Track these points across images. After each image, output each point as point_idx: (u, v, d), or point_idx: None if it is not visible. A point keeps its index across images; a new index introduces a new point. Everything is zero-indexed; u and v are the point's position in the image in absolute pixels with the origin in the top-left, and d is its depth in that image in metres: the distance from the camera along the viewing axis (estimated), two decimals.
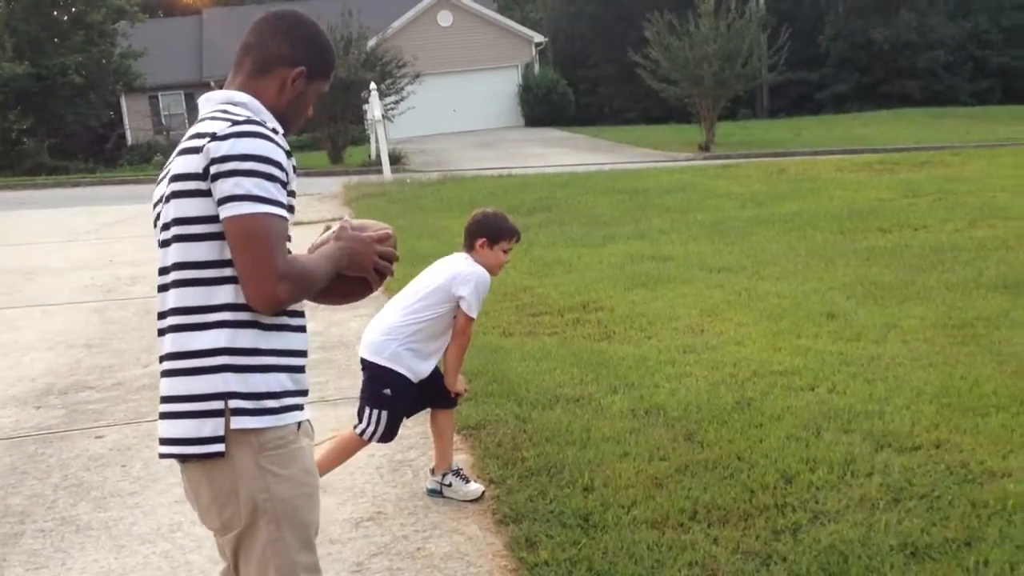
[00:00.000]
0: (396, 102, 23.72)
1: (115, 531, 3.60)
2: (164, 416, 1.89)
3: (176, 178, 1.86)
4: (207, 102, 2.00)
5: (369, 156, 22.28)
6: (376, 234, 2.07)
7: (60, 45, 33.29)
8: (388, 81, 23.60)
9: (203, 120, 1.92)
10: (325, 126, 23.50)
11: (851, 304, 6.33)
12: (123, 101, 37.49)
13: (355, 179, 16.77)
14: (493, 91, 37.02)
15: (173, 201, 1.86)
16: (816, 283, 7.01)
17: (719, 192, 12.42)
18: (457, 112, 35.44)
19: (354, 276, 2.04)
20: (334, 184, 16.03)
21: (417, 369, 3.60)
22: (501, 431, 4.33)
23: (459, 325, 3.62)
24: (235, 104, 1.94)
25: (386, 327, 3.61)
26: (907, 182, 12.40)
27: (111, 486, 4.03)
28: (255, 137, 1.83)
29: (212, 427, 1.82)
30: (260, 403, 1.85)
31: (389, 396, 3.59)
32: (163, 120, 37.48)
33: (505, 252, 3.68)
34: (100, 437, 4.62)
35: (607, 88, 45.91)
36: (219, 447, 1.82)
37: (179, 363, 1.86)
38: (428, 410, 3.83)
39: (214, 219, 1.82)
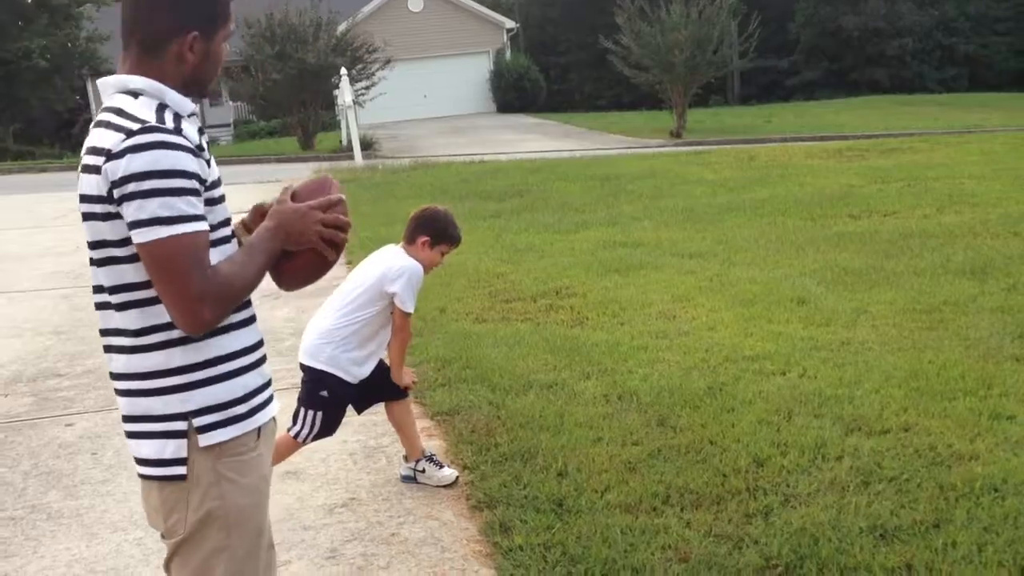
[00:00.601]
0: (367, 88, 23.55)
1: (86, 519, 3.57)
2: (129, 436, 1.83)
3: (84, 199, 1.73)
4: (104, 89, 1.82)
5: (340, 142, 22.14)
6: (316, 202, 1.91)
7: (24, 28, 32.74)
8: (359, 67, 23.42)
9: (98, 125, 1.75)
10: (295, 112, 23.30)
11: (821, 290, 6.39)
12: (89, 85, 36.96)
13: (326, 165, 16.68)
14: (464, 77, 36.89)
15: (87, 223, 1.74)
16: (787, 269, 7.07)
17: (690, 179, 12.47)
18: (428, 98, 35.30)
19: (304, 251, 1.92)
20: (305, 170, 15.94)
21: (356, 372, 3.55)
22: (475, 417, 4.34)
23: (397, 322, 3.55)
24: (130, 95, 1.76)
25: (321, 330, 3.55)
26: (876, 169, 12.52)
27: (82, 474, 3.99)
28: (152, 149, 1.66)
29: (174, 448, 1.75)
30: (228, 412, 1.79)
31: (326, 398, 3.54)
32: None
33: (443, 255, 3.62)
34: (70, 425, 4.57)
35: (578, 74, 45.91)
36: (181, 469, 1.76)
37: (136, 383, 1.78)
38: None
39: (126, 242, 1.71)
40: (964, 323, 5.42)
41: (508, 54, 38.41)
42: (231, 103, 35.52)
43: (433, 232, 3.56)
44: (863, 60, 42.01)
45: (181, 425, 1.76)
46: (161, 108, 1.75)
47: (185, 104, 1.81)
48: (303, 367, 3.58)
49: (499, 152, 19.07)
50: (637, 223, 9.49)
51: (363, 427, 4.32)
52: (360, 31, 25.21)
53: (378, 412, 4.08)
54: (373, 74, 23.95)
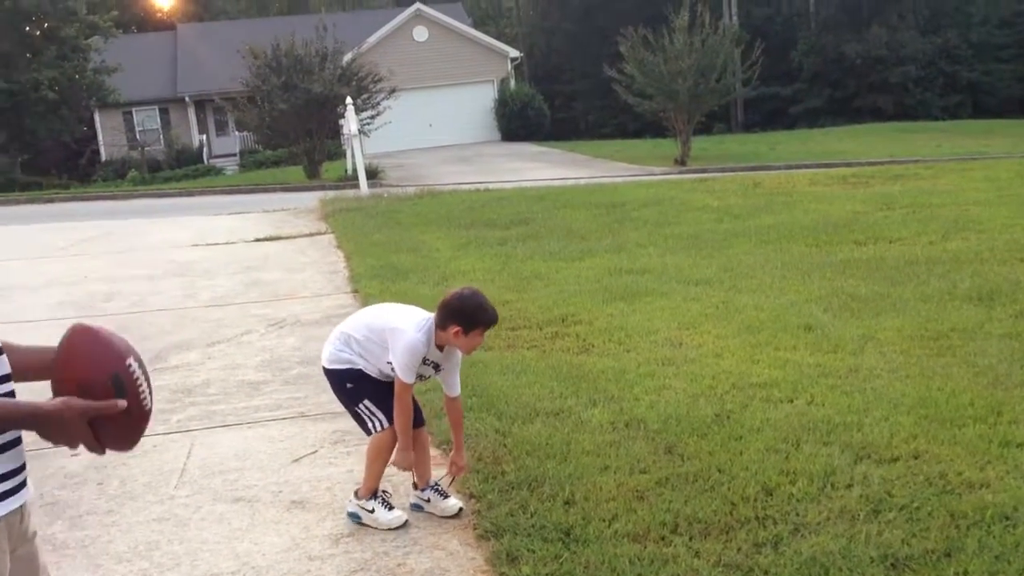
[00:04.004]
0: (372, 117, 23.71)
1: (91, 550, 3.55)
2: None
3: None
4: None
5: (346, 171, 22.24)
6: (96, 405, 1.74)
7: (33, 60, 33.08)
8: (364, 96, 23.60)
9: None
10: (301, 141, 23.44)
11: (828, 316, 6.37)
12: (97, 116, 37.27)
13: (331, 194, 16.73)
14: (469, 106, 37.12)
15: None
16: (793, 295, 7.05)
17: (695, 205, 12.48)
18: (433, 127, 35.52)
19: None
20: (311, 199, 15.99)
21: (363, 364, 3.63)
22: (481, 445, 4.32)
23: (396, 389, 3.56)
24: None
25: (333, 335, 3.73)
26: (881, 195, 12.52)
27: (87, 504, 3.97)
28: None
29: None
30: None
31: (353, 388, 3.65)
32: (137, 136, 37.25)
33: (480, 336, 3.54)
34: (76, 455, 4.56)
35: (583, 103, 46.18)
36: None
37: None
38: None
39: None
40: (972, 349, 5.40)
41: (513, 83, 38.67)
42: (237, 133, 35.77)
43: (463, 321, 3.47)
44: (866, 87, 42.22)
45: None
46: None
47: None
48: (324, 371, 3.75)
49: (504, 180, 19.13)
50: (642, 250, 9.49)
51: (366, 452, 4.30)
52: (366, 61, 25.43)
53: None
54: (378, 103, 24.12)
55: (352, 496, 3.76)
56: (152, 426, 4.85)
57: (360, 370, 3.62)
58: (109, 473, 4.31)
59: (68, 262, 10.41)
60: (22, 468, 1.75)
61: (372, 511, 3.68)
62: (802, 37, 45.62)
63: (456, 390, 3.73)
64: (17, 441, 1.74)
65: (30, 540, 1.84)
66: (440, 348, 3.57)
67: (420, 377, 3.62)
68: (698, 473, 3.84)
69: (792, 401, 4.70)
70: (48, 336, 6.31)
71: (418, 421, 3.76)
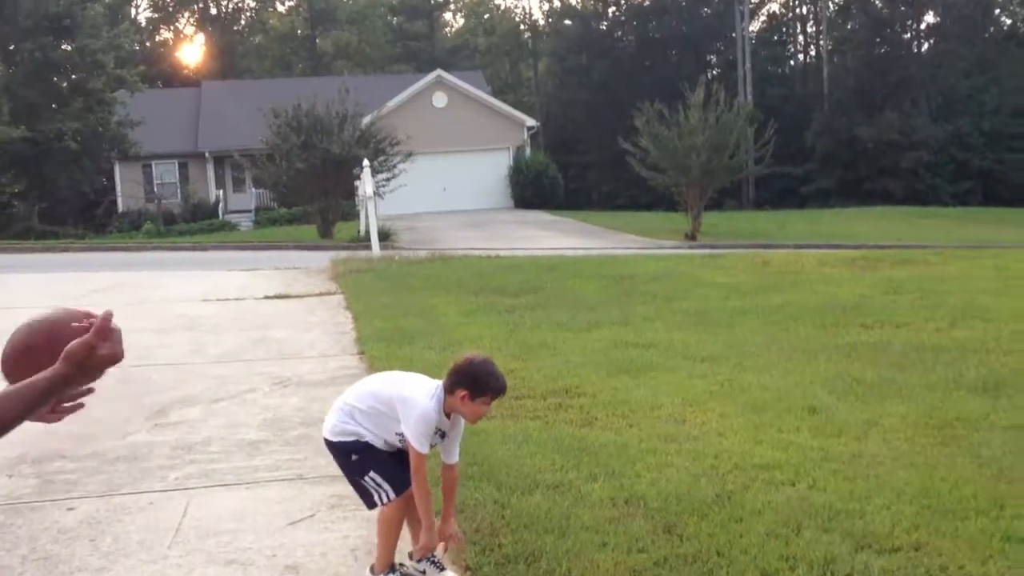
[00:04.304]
0: (388, 179, 24.00)
1: None
2: None
3: None
4: None
5: (358, 231, 22.43)
6: (97, 332, 1.75)
7: (58, 111, 33.71)
8: (381, 158, 23.92)
9: None
10: (316, 200, 23.70)
11: (833, 399, 6.35)
12: (117, 168, 37.80)
13: (343, 254, 16.84)
14: (484, 172, 37.55)
15: None
16: (798, 377, 7.03)
17: (704, 281, 12.53)
18: (447, 191, 35.89)
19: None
20: (322, 258, 16.09)
21: (368, 437, 3.57)
22: (479, 515, 4.29)
23: (412, 462, 3.50)
24: None
25: (336, 406, 3.66)
26: (889, 279, 12.55)
27: (79, 560, 3.95)
28: None
29: None
30: None
31: (359, 459, 3.57)
32: (155, 188, 37.73)
33: (485, 404, 3.50)
34: (71, 509, 4.55)
35: (596, 173, 46.69)
36: None
37: None
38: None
39: None
40: (977, 440, 5.36)
41: (528, 151, 39.16)
42: (254, 190, 36.20)
43: (471, 386, 3.43)
44: (877, 171, 42.59)
45: None
46: None
47: None
48: (326, 443, 3.67)
49: (516, 248, 19.26)
50: (650, 324, 9.50)
51: (366, 522, 4.27)
52: (385, 124, 25.84)
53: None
54: (394, 166, 24.43)
55: (368, 571, 3.71)
56: (150, 483, 4.86)
57: (367, 442, 3.57)
58: (103, 529, 4.29)
59: None
60: None
61: (424, 572, 3.64)
62: (815, 118, 46.22)
63: (455, 457, 3.68)
64: None
65: None
66: (447, 415, 3.55)
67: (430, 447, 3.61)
68: (697, 555, 3.80)
69: (794, 484, 4.66)
70: None
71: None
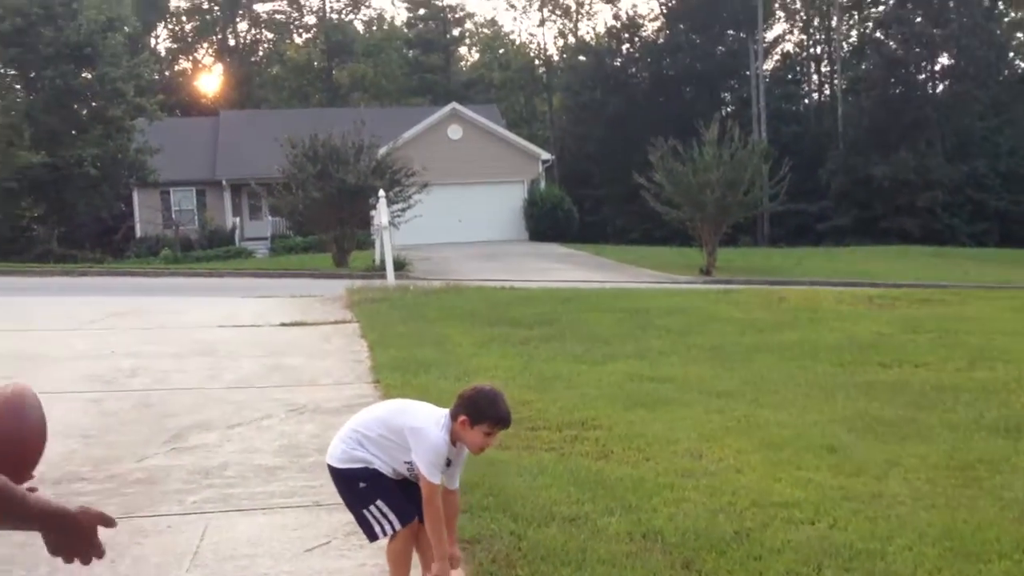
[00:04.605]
0: (403, 209, 24.12)
1: None
2: None
3: None
4: None
5: (373, 261, 22.51)
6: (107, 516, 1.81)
7: (78, 137, 34.09)
8: (396, 189, 24.05)
9: None
10: (332, 229, 23.83)
11: (852, 438, 6.31)
12: (135, 195, 38.13)
13: (358, 283, 16.89)
14: (498, 204, 37.69)
15: None
16: (816, 414, 7.00)
17: (720, 316, 12.50)
18: (462, 223, 36.01)
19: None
20: (337, 287, 16.15)
21: (379, 464, 3.55)
22: (496, 547, 4.27)
23: (424, 493, 3.48)
24: None
25: (342, 434, 3.64)
26: (907, 318, 12.50)
27: None
28: None
29: None
30: None
31: (366, 487, 3.54)
32: (173, 215, 38.02)
33: (488, 435, 3.47)
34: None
35: (611, 207, 46.82)
36: None
37: None
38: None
39: None
40: (999, 483, 5.32)
41: (543, 184, 39.33)
42: (270, 217, 36.44)
43: (471, 412, 3.44)
44: (893, 209, 42.55)
45: None
46: None
47: None
48: (329, 470, 3.64)
49: (530, 279, 19.28)
50: (665, 358, 9.48)
51: (382, 551, 4.25)
52: (400, 155, 26.03)
53: None
54: (409, 197, 24.56)
55: None
56: (168, 506, 4.86)
57: (375, 469, 3.54)
58: (121, 552, 4.28)
59: (97, 336, 10.53)
60: None
61: None
62: (830, 156, 46.31)
63: (456, 484, 3.67)
64: None
65: None
66: (454, 444, 3.54)
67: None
68: None
69: (814, 523, 4.63)
70: (71, 409, 6.37)
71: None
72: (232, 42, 62.29)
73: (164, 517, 4.76)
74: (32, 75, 34.35)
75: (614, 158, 45.23)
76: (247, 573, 4.08)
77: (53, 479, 5.35)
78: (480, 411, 3.44)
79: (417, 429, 3.50)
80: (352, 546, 4.40)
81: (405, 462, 3.52)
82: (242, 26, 63.15)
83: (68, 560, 1.78)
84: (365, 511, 3.56)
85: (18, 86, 37.21)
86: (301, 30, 64.23)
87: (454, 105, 39.65)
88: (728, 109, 49.40)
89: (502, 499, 4.88)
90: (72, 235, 35.22)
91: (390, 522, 3.54)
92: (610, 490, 5.10)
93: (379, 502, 3.53)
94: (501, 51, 64.80)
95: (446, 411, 3.55)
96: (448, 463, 3.57)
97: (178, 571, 4.08)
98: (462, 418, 3.45)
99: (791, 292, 16.21)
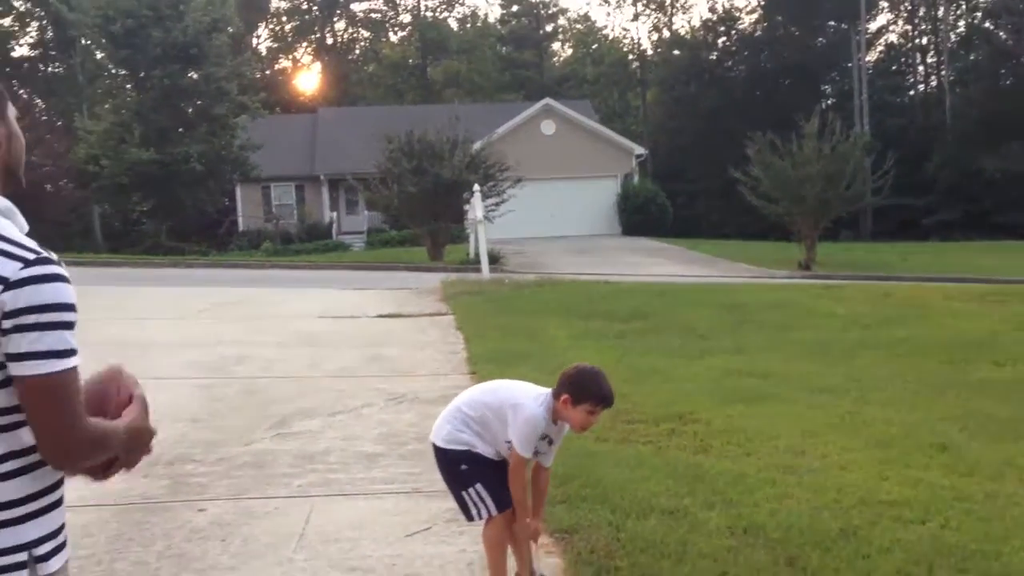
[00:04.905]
0: (497, 204, 24.23)
1: None
2: None
3: None
4: None
5: (468, 254, 22.69)
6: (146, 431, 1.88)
7: (185, 135, 35.26)
8: (490, 183, 24.18)
9: None
10: (427, 223, 24.10)
11: (963, 437, 6.09)
12: (238, 190, 39.26)
13: (453, 276, 17.06)
14: (591, 199, 37.52)
15: None
16: (925, 412, 6.77)
17: (821, 312, 12.21)
18: (555, 217, 35.95)
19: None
20: (433, 280, 16.33)
21: (481, 446, 3.59)
22: (594, 537, 4.26)
23: (511, 462, 3.56)
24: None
25: (447, 413, 3.70)
26: (1021, 316, 11.98)
27: (211, 559, 4.08)
28: (54, 281, 1.68)
29: None
30: (57, 540, 1.78)
31: (468, 470, 3.59)
32: (273, 209, 39.02)
33: (590, 413, 3.48)
34: (202, 510, 4.71)
35: (705, 202, 46.14)
36: None
37: None
38: None
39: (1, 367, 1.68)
40: None
41: (636, 179, 38.99)
42: (366, 212, 37.07)
43: (574, 391, 3.46)
44: (1006, 203, 40.77)
45: (22, 556, 1.72)
46: (24, 233, 1.77)
47: (24, 224, 1.81)
48: (433, 448, 3.70)
49: (624, 273, 19.16)
50: (764, 354, 9.31)
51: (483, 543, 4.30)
52: (494, 150, 26.15)
53: None
54: (503, 191, 24.67)
55: None
56: (275, 489, 4.99)
57: (478, 453, 3.60)
58: (232, 531, 4.42)
59: (203, 325, 10.89)
60: (64, 526, 1.83)
61: None
62: (937, 149, 44.67)
63: (550, 462, 3.71)
64: (62, 499, 1.82)
65: None
66: (555, 422, 3.56)
67: (535, 453, 3.61)
68: None
69: (924, 523, 4.48)
70: (180, 394, 6.58)
71: None
72: (330, 41, 63.50)
73: (271, 500, 4.90)
74: (142, 75, 35.65)
75: (709, 153, 44.54)
76: (351, 556, 4.16)
77: (166, 460, 5.57)
78: (583, 390, 3.46)
79: (517, 405, 3.55)
80: (452, 532, 4.45)
81: (506, 441, 3.56)
82: (339, 25, 64.31)
83: (127, 468, 1.90)
84: (464, 493, 3.62)
85: (129, 86, 38.70)
86: (396, 28, 65.13)
87: (548, 100, 39.63)
88: (829, 102, 48.06)
89: (600, 490, 4.87)
90: (179, 228, 36.48)
91: (487, 507, 3.59)
92: (709, 484, 5.04)
93: (478, 486, 3.59)
94: (594, 46, 64.44)
95: (548, 390, 3.58)
96: (549, 441, 3.61)
97: (286, 551, 4.19)
98: (564, 397, 3.47)
99: (897, 288, 15.72)
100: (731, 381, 7.95)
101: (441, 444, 3.66)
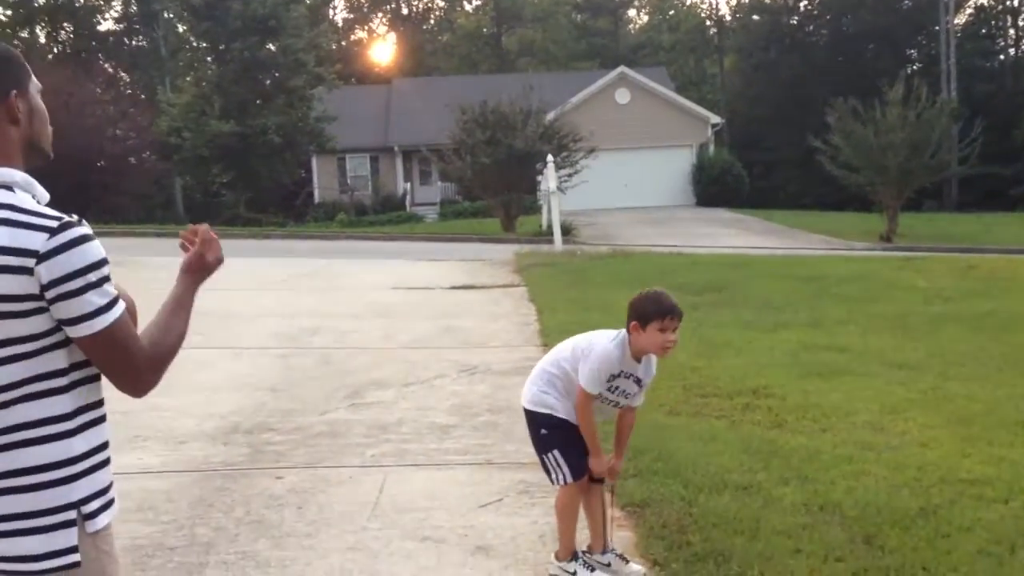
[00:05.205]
0: (570, 175, 24.11)
1: (290, 570, 3.73)
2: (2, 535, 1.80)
3: (1, 299, 1.75)
4: None
5: (540, 226, 22.67)
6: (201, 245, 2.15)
7: (263, 107, 35.80)
8: (563, 154, 24.06)
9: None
10: (500, 194, 24.12)
11: None
12: (314, 161, 39.79)
13: (526, 247, 17.08)
14: (666, 169, 37.07)
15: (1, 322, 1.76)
16: (1010, 389, 6.57)
17: (902, 284, 11.90)
18: (628, 188, 35.65)
19: None
20: (506, 251, 16.38)
21: (563, 410, 3.62)
22: (666, 512, 4.25)
23: (577, 398, 3.57)
24: (4, 188, 1.81)
25: (532, 374, 3.76)
26: None
27: (288, 526, 4.19)
28: (81, 244, 1.77)
29: (65, 539, 1.79)
30: (105, 498, 1.87)
31: (547, 435, 3.65)
32: (348, 180, 39.48)
33: (662, 331, 3.39)
34: (280, 478, 4.84)
35: (783, 172, 45.17)
36: (75, 557, 1.80)
37: (22, 480, 1.78)
38: None
39: (51, 332, 1.78)
40: None
41: (712, 149, 38.37)
42: (439, 183, 37.27)
43: (639, 315, 3.44)
44: None
45: (71, 514, 1.80)
46: (42, 203, 1.84)
47: (44, 194, 1.88)
48: (523, 410, 3.76)
49: (698, 245, 18.93)
50: (842, 327, 9.13)
51: (553, 509, 4.33)
52: (568, 120, 25.98)
53: None
54: (577, 162, 24.53)
55: (552, 558, 3.75)
56: (349, 459, 5.09)
57: (560, 417, 3.62)
58: (308, 499, 4.53)
59: (281, 295, 11.12)
60: (111, 485, 1.93)
61: (574, 573, 3.66)
62: None
63: (638, 402, 3.71)
64: (109, 459, 1.93)
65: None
66: (638, 360, 3.54)
67: (623, 393, 3.59)
68: (900, 568, 3.63)
69: (1007, 502, 4.36)
70: (260, 364, 6.72)
71: (597, 479, 3.73)
72: (405, 11, 63.69)
73: (346, 468, 5.00)
74: (222, 47, 36.27)
75: (787, 121, 43.56)
76: (424, 525, 4.23)
77: (246, 429, 5.72)
78: (645, 310, 3.43)
79: (591, 345, 3.57)
80: (524, 504, 4.48)
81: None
82: None
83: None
84: (543, 456, 3.69)
85: (209, 59, 39.43)
86: None
87: (622, 69, 39.17)
88: (914, 67, 46.52)
89: (672, 464, 4.85)
90: (257, 200, 37.17)
91: (563, 472, 3.63)
92: (784, 460, 4.97)
93: (556, 452, 3.64)
94: (671, 12, 63.33)
95: (613, 331, 3.61)
96: (632, 379, 3.56)
97: (360, 520, 4.28)
98: (632, 324, 3.46)
99: (982, 260, 15.22)
100: (807, 355, 7.82)
101: (527, 405, 3.73)
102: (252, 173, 35.47)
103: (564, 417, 3.63)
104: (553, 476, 3.66)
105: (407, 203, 37.62)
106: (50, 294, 1.75)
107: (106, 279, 1.81)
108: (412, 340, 8.55)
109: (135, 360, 1.84)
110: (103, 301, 1.79)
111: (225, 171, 36.55)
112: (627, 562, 3.73)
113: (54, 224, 1.77)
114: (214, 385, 6.78)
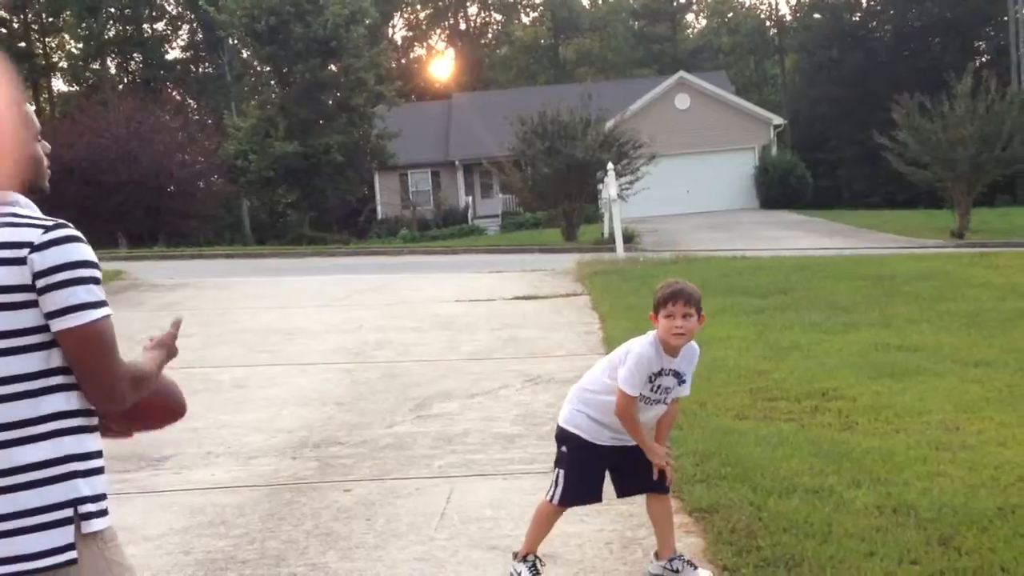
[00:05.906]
0: (631, 182, 24.02)
1: None
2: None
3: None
4: None
5: (602, 234, 22.61)
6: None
7: (325, 127, 36.42)
8: (624, 162, 23.98)
9: None
10: (561, 204, 24.14)
11: None
12: (376, 178, 40.33)
13: (588, 256, 17.04)
14: (728, 173, 36.73)
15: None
16: None
17: (975, 281, 11.58)
18: (690, 193, 35.39)
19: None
20: (567, 261, 16.36)
21: (594, 433, 3.61)
22: (735, 516, 4.20)
23: (617, 401, 3.53)
24: (14, 205, 1.89)
25: (569, 394, 3.77)
26: None
27: (357, 538, 4.25)
28: (74, 242, 1.85)
29: (62, 536, 1.82)
30: (100, 504, 1.89)
31: (564, 454, 3.68)
32: (410, 196, 39.91)
33: (669, 317, 3.40)
34: (348, 491, 4.90)
35: (848, 171, 44.44)
36: (72, 554, 1.82)
37: (19, 478, 1.81)
38: None
39: (38, 330, 1.82)
40: None
41: (774, 150, 37.88)
42: (501, 195, 37.46)
43: (654, 307, 3.52)
44: None
45: (67, 512, 1.84)
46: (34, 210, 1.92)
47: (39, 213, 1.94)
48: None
49: (762, 248, 18.68)
50: (913, 326, 8.92)
51: (621, 517, 4.31)
52: (627, 127, 25.89)
53: (637, 503, 4.07)
54: (637, 169, 24.43)
55: (511, 557, 3.79)
56: (416, 470, 5.13)
57: (585, 441, 3.62)
58: (377, 511, 4.58)
59: (345, 311, 11.27)
60: (105, 496, 1.96)
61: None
62: None
63: (685, 392, 3.68)
64: (104, 468, 1.96)
65: None
66: (674, 355, 3.53)
67: (665, 390, 3.57)
68: (978, 570, 3.53)
69: None
70: (326, 379, 6.83)
71: (656, 486, 3.71)
72: (463, 26, 64.30)
73: (413, 480, 5.05)
74: (285, 70, 37.03)
75: (851, 119, 42.82)
76: (491, 535, 4.24)
77: (314, 443, 5.81)
78: (656, 299, 3.50)
79: (628, 350, 3.57)
80: (590, 511, 4.46)
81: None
82: (472, 10, 65.04)
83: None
84: (555, 469, 3.75)
85: (273, 82, 40.27)
86: (528, 9, 65.28)
87: (681, 74, 38.97)
88: (983, 59, 45.34)
89: (740, 469, 4.79)
90: (321, 219, 37.82)
91: (556, 492, 3.69)
92: (856, 462, 4.88)
93: (561, 472, 3.69)
94: (730, 15, 62.82)
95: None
96: (671, 374, 3.54)
97: (428, 530, 4.32)
98: (651, 316, 3.52)
99: None
100: (878, 355, 7.66)
101: (560, 423, 3.78)
102: (316, 192, 36.08)
103: (590, 441, 3.63)
104: (549, 492, 3.72)
105: (469, 216, 37.88)
106: (40, 283, 1.82)
107: (96, 280, 1.88)
108: (476, 351, 8.60)
109: (113, 366, 1.88)
110: (91, 298, 1.85)
111: (290, 191, 37.26)
112: (695, 568, 3.70)
113: (50, 223, 1.87)
114: (282, 400, 6.91)
